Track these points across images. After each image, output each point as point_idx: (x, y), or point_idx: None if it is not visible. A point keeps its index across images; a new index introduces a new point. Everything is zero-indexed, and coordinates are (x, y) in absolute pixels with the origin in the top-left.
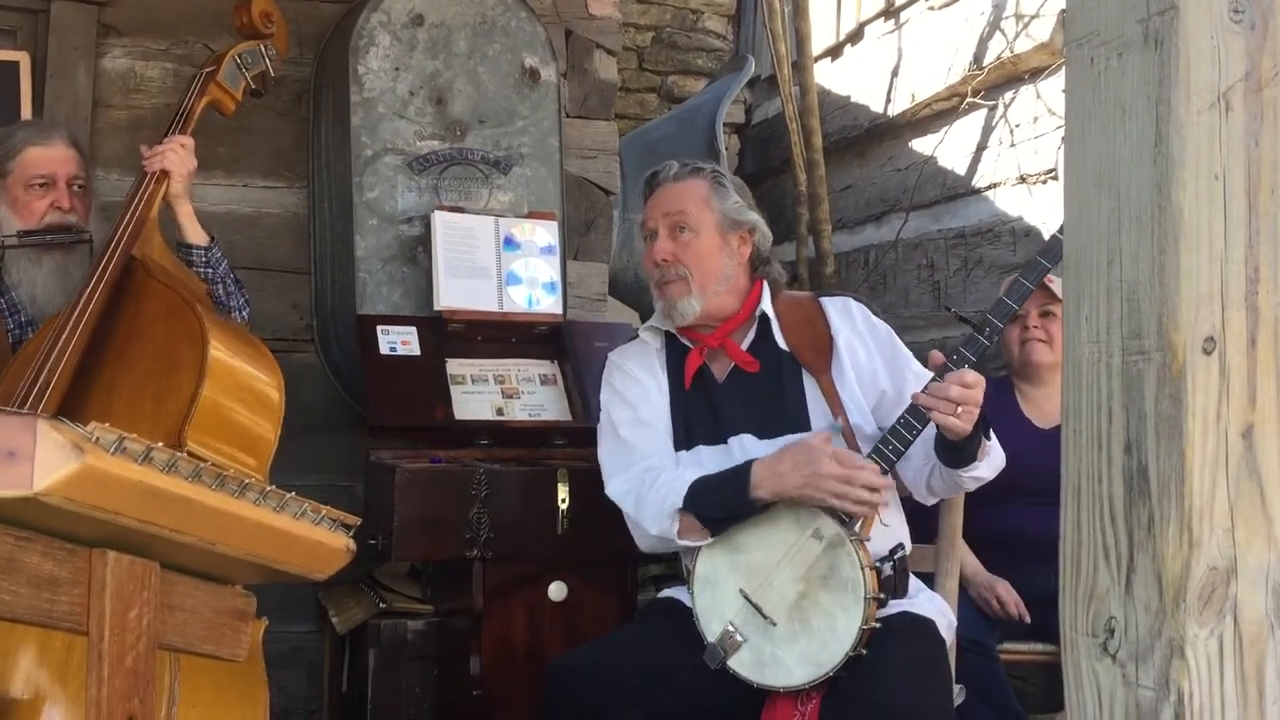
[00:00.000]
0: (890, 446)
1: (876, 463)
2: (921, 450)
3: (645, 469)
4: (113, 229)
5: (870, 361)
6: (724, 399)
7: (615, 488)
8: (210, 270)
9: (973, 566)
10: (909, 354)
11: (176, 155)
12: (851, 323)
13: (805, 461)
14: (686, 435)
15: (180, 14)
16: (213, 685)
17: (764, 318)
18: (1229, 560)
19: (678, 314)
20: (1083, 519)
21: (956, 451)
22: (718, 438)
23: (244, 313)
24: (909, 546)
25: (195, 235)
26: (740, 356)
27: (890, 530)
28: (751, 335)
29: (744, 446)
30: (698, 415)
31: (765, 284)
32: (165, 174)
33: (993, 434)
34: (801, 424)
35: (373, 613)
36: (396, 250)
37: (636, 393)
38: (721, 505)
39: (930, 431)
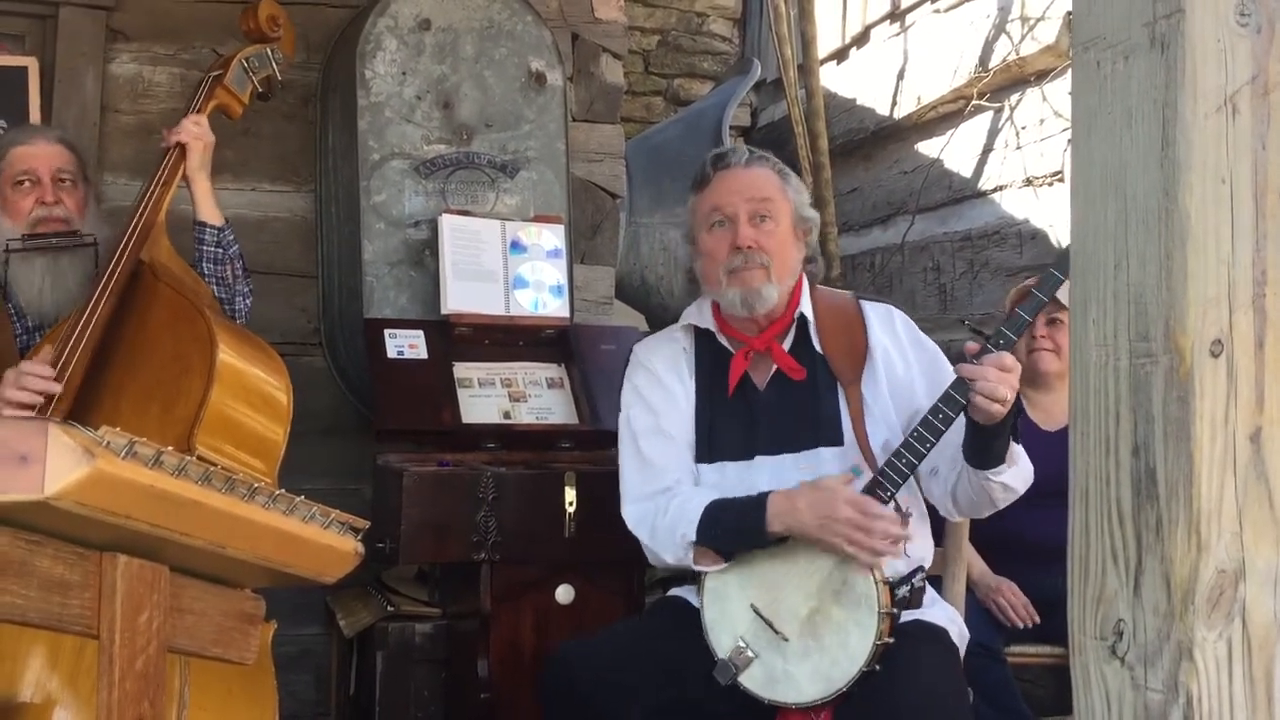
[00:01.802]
0: (920, 439)
1: (905, 456)
2: (949, 456)
3: (660, 491)
4: (121, 230)
5: (908, 375)
6: (763, 411)
7: (631, 514)
8: (220, 250)
9: (979, 569)
10: (954, 375)
11: (193, 129)
12: (893, 333)
13: (822, 503)
14: (709, 449)
15: (188, 19)
16: (222, 688)
17: (802, 319)
18: (1237, 563)
19: (760, 300)
20: (1090, 522)
21: (985, 447)
22: (746, 453)
23: (248, 299)
24: (930, 562)
25: (210, 214)
26: (786, 362)
27: (911, 553)
28: (792, 338)
29: (773, 465)
30: (727, 427)
31: (805, 283)
32: (182, 148)
33: (1021, 449)
34: (836, 439)
35: (380, 616)
36: (403, 254)
37: (660, 398)
38: (735, 538)
39: (957, 437)
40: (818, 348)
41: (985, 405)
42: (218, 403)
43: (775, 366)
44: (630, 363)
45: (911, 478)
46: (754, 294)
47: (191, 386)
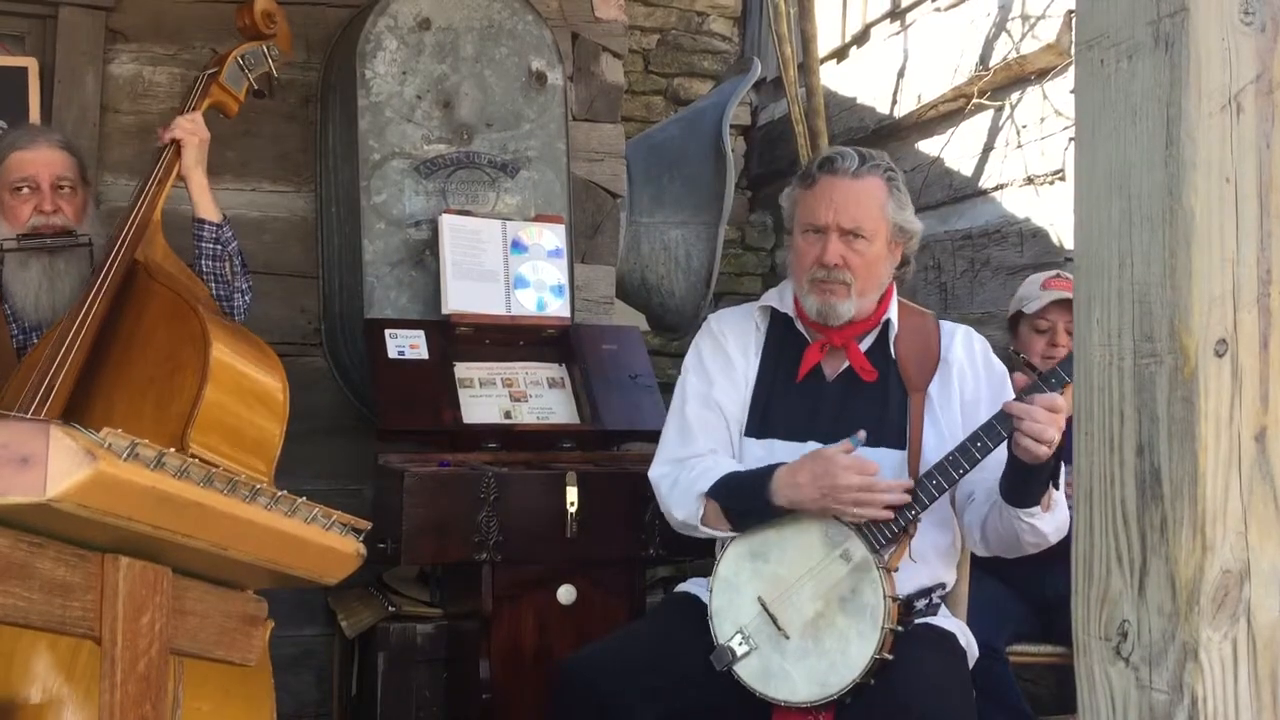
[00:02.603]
0: (955, 464)
1: (937, 478)
2: (987, 486)
3: (693, 456)
4: (116, 230)
5: (976, 395)
6: (827, 401)
7: (656, 470)
8: (219, 248)
9: None
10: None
11: (187, 125)
12: (970, 351)
13: (823, 474)
14: (761, 425)
15: (187, 19)
16: (218, 689)
17: (886, 324)
18: (1242, 563)
19: (835, 316)
20: (1095, 522)
21: (1021, 485)
22: (801, 436)
23: (247, 295)
24: (953, 582)
25: (208, 211)
26: (859, 361)
27: (934, 570)
28: (871, 340)
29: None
30: (786, 409)
31: (895, 290)
32: (177, 145)
33: (1062, 496)
34: (900, 443)
35: (382, 616)
36: (404, 254)
37: (719, 366)
38: (742, 501)
39: (994, 474)
40: (893, 354)
41: (1032, 447)
42: (212, 400)
43: (847, 363)
44: (701, 329)
45: (948, 501)
46: (830, 309)
47: (185, 384)
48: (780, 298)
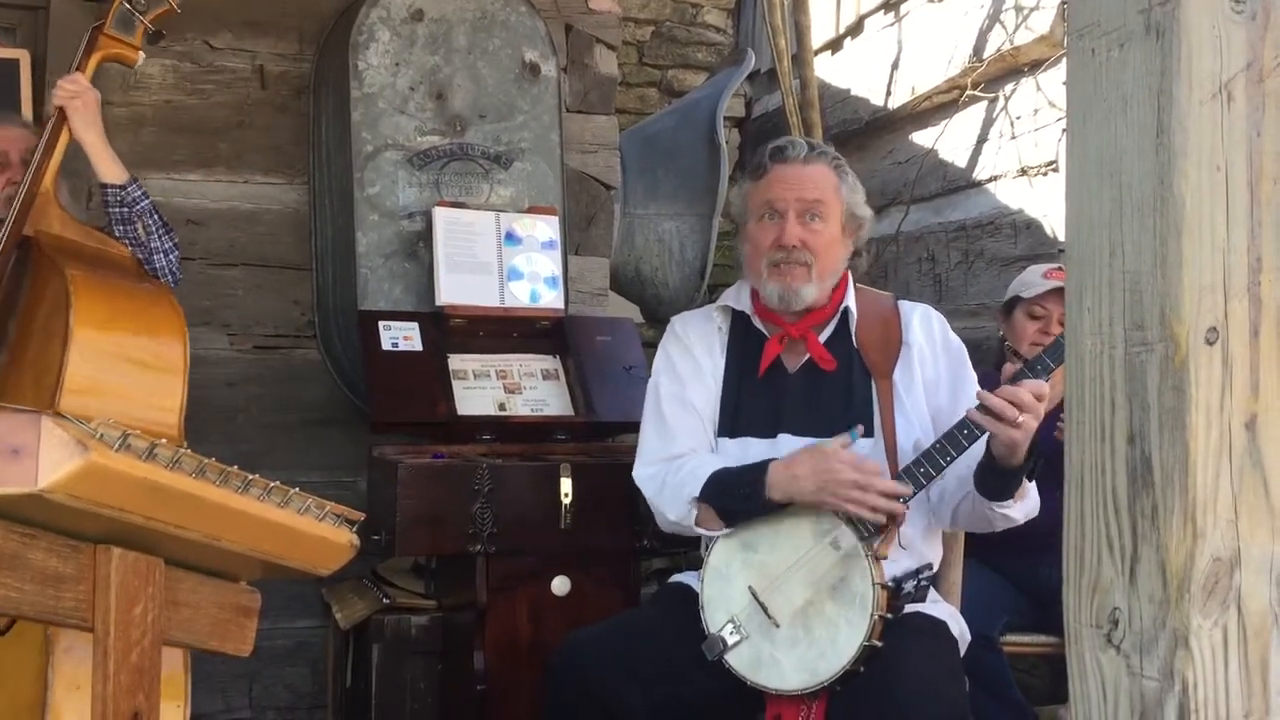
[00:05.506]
0: (941, 451)
1: (924, 466)
2: (956, 477)
3: (675, 456)
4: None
5: (936, 374)
6: (791, 393)
7: (642, 472)
8: (125, 210)
9: None
10: (974, 377)
11: (68, 88)
12: (929, 332)
13: (822, 469)
14: (733, 424)
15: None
16: None
17: (845, 312)
18: (1233, 551)
19: (796, 299)
20: (1086, 510)
21: (998, 481)
22: (770, 431)
23: (171, 255)
24: (938, 563)
25: (109, 173)
26: (819, 352)
27: (919, 552)
28: (830, 330)
29: (797, 446)
30: (754, 405)
31: (850, 278)
32: (60, 111)
33: (1033, 485)
34: (867, 430)
35: (376, 608)
36: (397, 246)
37: (689, 369)
38: (736, 501)
39: (971, 459)
40: (855, 342)
41: (1006, 432)
42: (78, 365)
43: (808, 355)
44: (667, 332)
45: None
46: (792, 293)
47: (54, 353)
48: (737, 296)
